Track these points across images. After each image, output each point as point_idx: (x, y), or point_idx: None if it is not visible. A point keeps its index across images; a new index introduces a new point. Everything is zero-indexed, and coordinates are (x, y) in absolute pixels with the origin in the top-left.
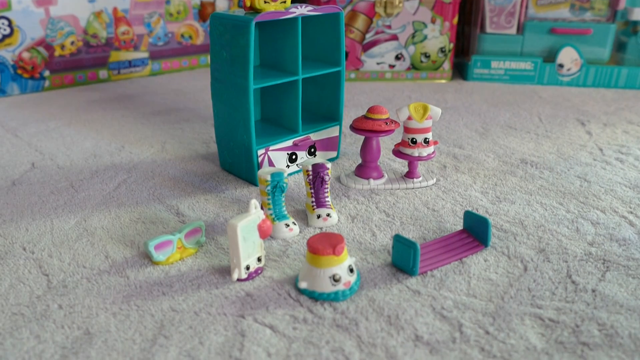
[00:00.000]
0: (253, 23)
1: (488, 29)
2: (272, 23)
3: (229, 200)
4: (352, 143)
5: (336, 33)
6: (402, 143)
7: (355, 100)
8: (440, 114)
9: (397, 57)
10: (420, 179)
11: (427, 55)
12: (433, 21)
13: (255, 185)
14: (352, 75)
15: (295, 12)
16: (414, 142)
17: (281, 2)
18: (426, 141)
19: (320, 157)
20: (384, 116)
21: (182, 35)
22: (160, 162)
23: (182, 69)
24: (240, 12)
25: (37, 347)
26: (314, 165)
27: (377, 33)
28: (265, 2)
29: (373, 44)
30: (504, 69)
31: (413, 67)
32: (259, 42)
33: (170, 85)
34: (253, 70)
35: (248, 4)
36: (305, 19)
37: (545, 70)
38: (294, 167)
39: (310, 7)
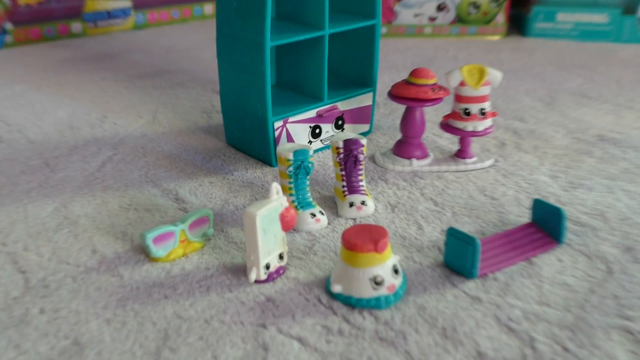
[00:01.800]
0: None
1: None
2: None
3: (239, 184)
4: (387, 114)
5: None
6: (453, 115)
7: (387, 60)
8: (501, 79)
9: (440, 8)
10: (475, 159)
11: (476, 5)
12: None
13: (271, 165)
14: (384, 30)
15: None
16: (467, 113)
17: None
18: (482, 112)
19: (349, 131)
20: (431, 81)
21: None
22: (152, 136)
23: (173, 21)
24: None
25: (17, 359)
26: (347, 141)
27: None
28: None
29: None
30: (573, 23)
31: (459, 19)
32: None
33: (160, 41)
34: (270, 23)
35: None
36: None
37: (624, 24)
38: (317, 144)
39: None
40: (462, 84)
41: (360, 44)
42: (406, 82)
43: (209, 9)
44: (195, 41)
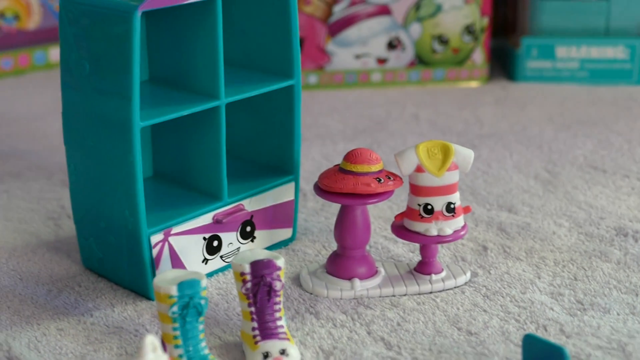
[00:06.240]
0: (138, 13)
1: None
2: (171, 10)
3: (102, 330)
4: (318, 211)
5: (283, 15)
6: (409, 213)
7: (318, 126)
8: (473, 159)
9: (392, 45)
10: (443, 274)
11: (443, 40)
12: None
13: (149, 298)
14: (312, 80)
15: None
16: (429, 211)
17: None
18: (450, 209)
19: (262, 243)
20: (375, 167)
21: (2, 14)
22: None
23: (4, 74)
24: None
25: None
26: (255, 264)
27: (352, 4)
28: None
29: (347, 22)
30: (580, 60)
31: (420, 61)
32: (148, 42)
33: None
34: (139, 91)
35: None
36: None
37: None
38: (217, 262)
39: None
40: (419, 169)
41: (273, 115)
42: (340, 170)
43: (57, 53)
44: (39, 105)
